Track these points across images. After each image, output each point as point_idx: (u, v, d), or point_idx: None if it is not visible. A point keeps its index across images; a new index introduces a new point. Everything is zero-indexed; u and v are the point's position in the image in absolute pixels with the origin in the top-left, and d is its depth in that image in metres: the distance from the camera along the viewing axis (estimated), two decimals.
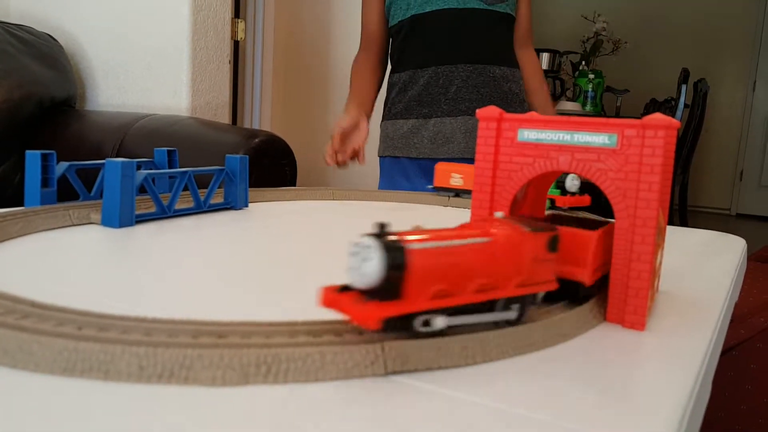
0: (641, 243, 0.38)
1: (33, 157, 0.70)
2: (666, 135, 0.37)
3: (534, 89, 1.34)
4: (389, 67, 1.35)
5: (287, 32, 2.43)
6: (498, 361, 0.33)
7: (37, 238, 0.59)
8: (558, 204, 0.75)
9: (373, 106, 1.31)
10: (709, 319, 0.43)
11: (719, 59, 4.48)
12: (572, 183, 0.72)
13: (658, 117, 0.37)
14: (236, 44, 2.27)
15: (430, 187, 1.00)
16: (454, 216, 0.87)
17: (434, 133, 1.24)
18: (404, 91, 1.27)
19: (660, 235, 0.42)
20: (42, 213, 0.63)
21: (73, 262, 0.51)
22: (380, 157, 1.36)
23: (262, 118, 2.36)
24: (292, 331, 0.32)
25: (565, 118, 0.40)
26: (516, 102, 1.28)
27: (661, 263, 0.47)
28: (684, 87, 3.01)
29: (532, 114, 0.41)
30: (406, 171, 1.30)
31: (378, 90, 1.35)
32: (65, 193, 0.75)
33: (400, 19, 1.25)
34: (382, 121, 1.35)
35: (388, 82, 1.34)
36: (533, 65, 1.34)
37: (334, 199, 0.98)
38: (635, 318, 0.39)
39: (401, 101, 1.28)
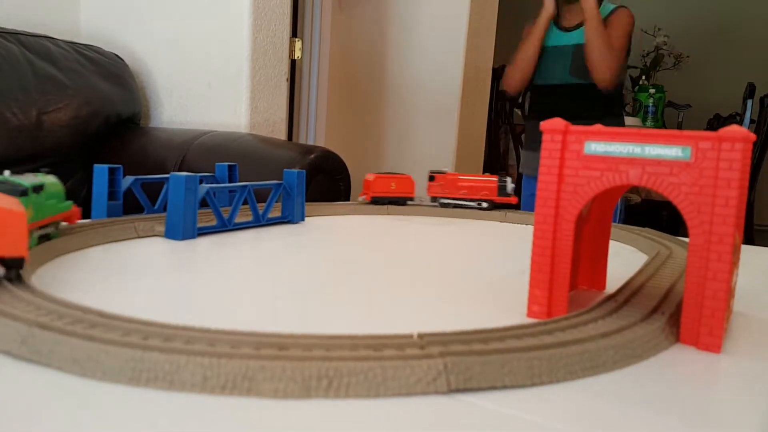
0: (717, 261, 0.36)
1: (101, 171, 0.72)
2: (743, 148, 0.35)
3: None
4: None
5: (342, 51, 2.46)
6: (565, 381, 0.32)
7: (104, 249, 0.60)
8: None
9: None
10: None
11: None
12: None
13: (735, 129, 0.35)
14: (293, 62, 2.31)
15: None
16: (512, 232, 0.86)
17: None
18: (536, 130, 1.59)
19: (736, 253, 0.40)
20: (109, 225, 0.65)
21: (138, 273, 0.52)
22: (523, 175, 1.80)
23: (317, 134, 2.38)
24: (352, 344, 0.32)
25: (635, 130, 0.38)
26: None
27: (736, 283, 0.44)
28: (750, 102, 2.90)
29: (599, 126, 0.40)
30: None
31: (531, 65, 1.68)
32: (130, 206, 0.77)
33: (535, 81, 1.72)
34: (522, 149, 1.87)
35: (528, 121, 1.85)
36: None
37: (388, 214, 0.98)
38: (710, 339, 0.37)
39: (534, 137, 1.76)
